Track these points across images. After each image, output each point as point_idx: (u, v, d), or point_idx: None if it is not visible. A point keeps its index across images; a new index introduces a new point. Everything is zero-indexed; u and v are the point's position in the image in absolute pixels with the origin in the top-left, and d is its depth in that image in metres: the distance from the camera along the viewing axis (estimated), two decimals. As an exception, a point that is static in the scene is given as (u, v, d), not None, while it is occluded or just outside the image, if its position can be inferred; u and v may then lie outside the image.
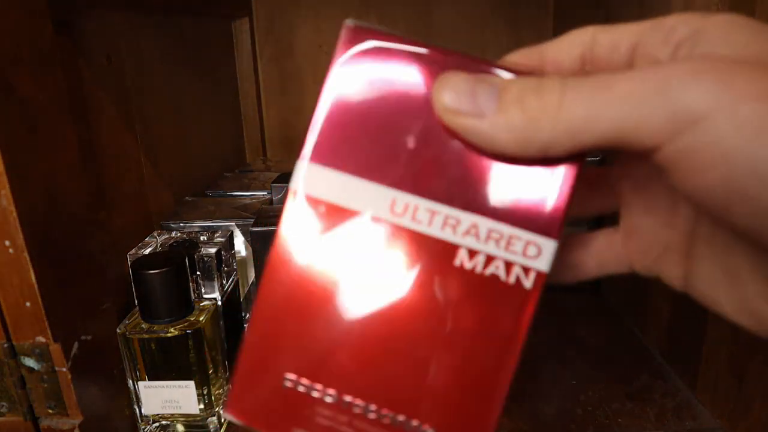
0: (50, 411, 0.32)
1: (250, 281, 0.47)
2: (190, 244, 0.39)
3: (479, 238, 0.18)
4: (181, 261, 0.35)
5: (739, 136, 0.13)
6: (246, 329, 0.19)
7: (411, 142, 0.18)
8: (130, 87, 0.44)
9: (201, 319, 0.36)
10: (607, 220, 0.22)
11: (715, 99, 0.13)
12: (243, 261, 0.46)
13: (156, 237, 0.40)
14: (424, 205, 0.18)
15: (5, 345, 0.31)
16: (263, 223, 0.40)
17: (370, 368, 0.19)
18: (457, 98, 0.16)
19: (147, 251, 0.38)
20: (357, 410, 0.19)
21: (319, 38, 0.70)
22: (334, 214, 0.18)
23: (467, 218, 0.18)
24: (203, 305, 0.38)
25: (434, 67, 0.18)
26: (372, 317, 0.18)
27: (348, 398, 0.19)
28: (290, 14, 0.70)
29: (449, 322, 0.18)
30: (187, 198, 0.53)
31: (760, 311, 0.18)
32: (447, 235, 0.18)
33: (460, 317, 0.18)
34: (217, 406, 0.39)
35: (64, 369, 0.31)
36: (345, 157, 0.18)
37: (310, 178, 0.18)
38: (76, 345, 0.32)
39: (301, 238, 0.19)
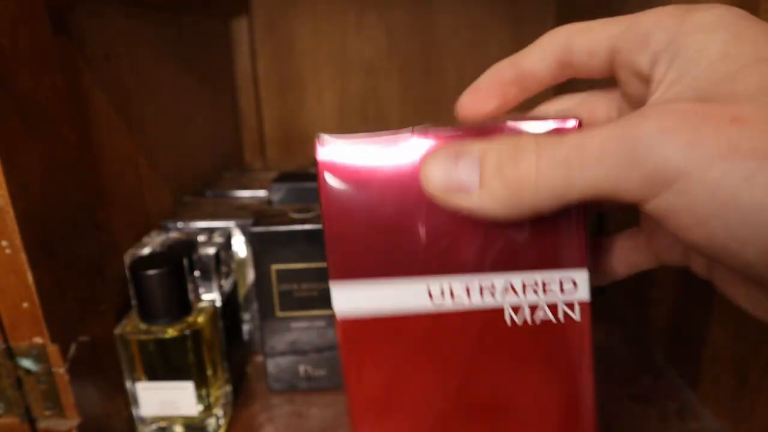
0: (47, 412, 0.32)
1: (249, 282, 0.47)
2: (189, 245, 0.39)
3: (517, 293, 0.18)
4: (179, 261, 0.35)
5: (712, 202, 0.13)
6: None
7: (420, 227, 0.18)
8: (128, 86, 0.43)
9: (200, 320, 0.36)
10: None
11: (685, 160, 0.13)
12: (242, 261, 0.46)
13: (154, 237, 0.40)
14: (456, 281, 0.18)
15: (2, 346, 0.31)
16: (262, 223, 0.39)
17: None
18: (442, 180, 0.17)
19: (145, 251, 0.38)
20: None
21: (319, 37, 0.70)
22: (383, 323, 0.19)
23: (499, 279, 0.18)
24: (202, 306, 0.38)
25: (414, 150, 0.18)
26: (453, 402, 0.19)
27: None
28: (289, 13, 0.70)
29: (524, 377, 0.19)
30: (185, 198, 0.53)
31: None
32: (488, 301, 0.18)
33: (531, 369, 0.19)
34: (216, 407, 0.38)
35: (62, 370, 0.31)
36: (367, 263, 0.18)
37: (343, 296, 0.19)
38: (73, 346, 0.32)
39: (363, 354, 0.19)
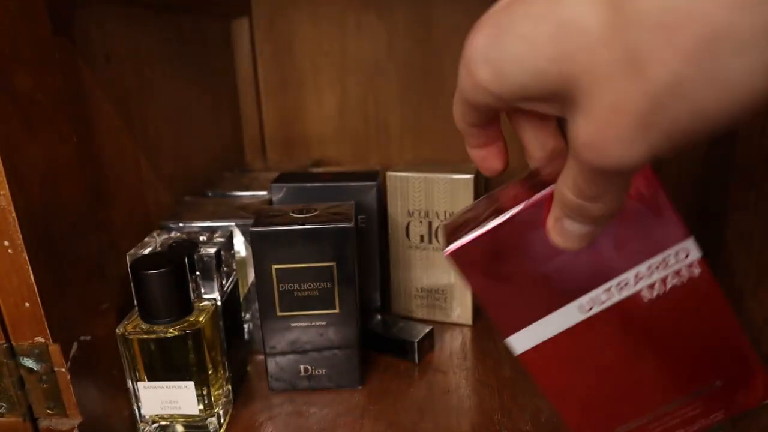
0: (49, 411, 0.32)
1: (250, 281, 0.47)
2: (190, 244, 0.39)
3: (646, 277, 0.23)
4: (180, 261, 0.35)
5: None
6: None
7: (551, 270, 0.23)
8: (128, 86, 0.44)
9: (200, 319, 0.36)
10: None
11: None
12: (242, 261, 0.46)
13: (155, 237, 0.40)
14: (598, 292, 0.23)
15: (4, 345, 0.31)
16: (263, 223, 0.39)
17: (654, 388, 0.25)
18: (581, 237, 0.21)
19: (146, 251, 0.38)
20: (668, 410, 0.26)
21: (319, 37, 0.70)
22: (551, 341, 0.24)
23: (628, 275, 0.23)
24: (203, 305, 0.38)
25: (515, 223, 0.22)
26: (633, 368, 0.25)
27: (657, 411, 0.26)
28: (289, 13, 0.70)
29: (678, 332, 0.24)
30: (186, 198, 0.53)
31: None
32: (626, 293, 0.23)
33: (681, 323, 0.24)
34: (217, 406, 0.38)
35: (64, 369, 0.31)
36: (524, 316, 0.24)
37: (517, 342, 0.24)
38: (75, 345, 0.32)
39: (544, 367, 0.25)
